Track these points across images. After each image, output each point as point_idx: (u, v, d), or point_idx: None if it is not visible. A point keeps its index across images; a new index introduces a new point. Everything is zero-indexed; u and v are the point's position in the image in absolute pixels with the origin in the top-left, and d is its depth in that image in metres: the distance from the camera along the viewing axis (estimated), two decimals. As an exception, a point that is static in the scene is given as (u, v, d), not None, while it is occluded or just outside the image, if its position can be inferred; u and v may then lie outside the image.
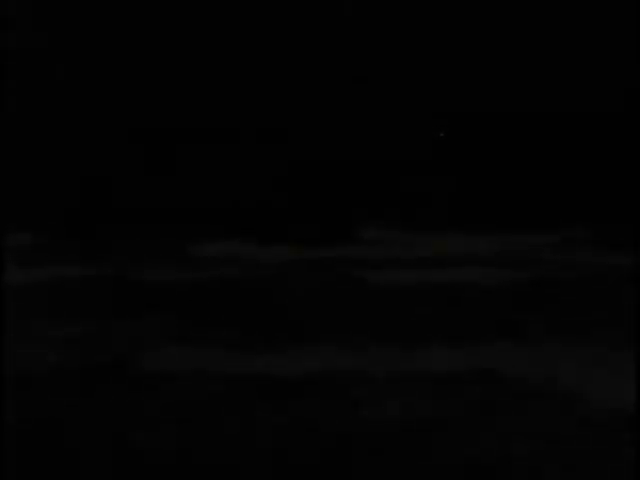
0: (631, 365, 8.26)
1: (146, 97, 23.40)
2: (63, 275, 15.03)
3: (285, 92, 23.38)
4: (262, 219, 22.35)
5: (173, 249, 19.54)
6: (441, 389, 7.79)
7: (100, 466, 6.04)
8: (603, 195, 22.48)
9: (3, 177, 21.90)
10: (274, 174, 23.22)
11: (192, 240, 20.52)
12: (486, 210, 22.83)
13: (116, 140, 23.36)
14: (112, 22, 23.25)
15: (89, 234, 22.12)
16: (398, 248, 19.31)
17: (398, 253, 18.35)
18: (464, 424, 6.80)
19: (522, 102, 23.15)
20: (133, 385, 8.06)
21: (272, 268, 16.16)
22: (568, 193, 22.82)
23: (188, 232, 21.45)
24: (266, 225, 22.02)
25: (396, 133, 23.34)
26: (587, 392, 7.60)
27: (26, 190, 22.87)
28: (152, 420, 6.99)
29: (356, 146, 23.23)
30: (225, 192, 22.93)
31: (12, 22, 23.09)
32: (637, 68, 22.15)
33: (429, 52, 23.21)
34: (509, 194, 23.13)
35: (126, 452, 6.29)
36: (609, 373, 8.23)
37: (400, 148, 23.30)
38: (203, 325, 10.82)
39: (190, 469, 5.98)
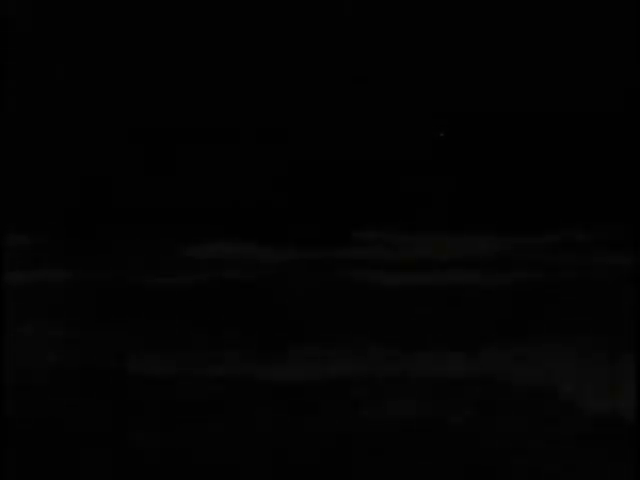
0: (631, 365, 8.26)
1: (146, 97, 23.40)
2: (63, 276, 15.02)
3: (285, 92, 23.38)
4: (262, 219, 22.35)
5: (173, 249, 19.54)
6: (441, 390, 7.79)
7: (100, 466, 6.04)
8: (603, 195, 22.47)
9: (3, 177, 21.89)
10: (274, 174, 23.21)
11: (192, 240, 20.50)
12: (486, 210, 22.82)
13: (116, 140, 23.36)
14: (112, 22, 23.26)
15: (89, 234, 22.10)
16: (398, 248, 19.31)
17: (398, 253, 18.36)
18: (464, 424, 6.80)
19: (522, 102, 23.14)
20: (133, 386, 8.06)
21: (272, 268, 16.16)
22: (568, 193, 22.81)
23: (188, 232, 21.44)
24: (266, 225, 22.01)
25: (396, 133, 23.33)
26: (587, 393, 7.61)
27: (26, 190, 22.86)
28: (152, 420, 6.99)
29: (356, 146, 23.22)
30: (225, 192, 22.92)
31: (12, 22, 23.09)
32: (637, 68, 22.15)
33: (429, 52, 23.21)
34: (509, 194, 23.12)
35: (126, 452, 6.29)
36: (609, 374, 8.23)
37: (400, 148, 23.29)
38: (203, 325, 10.82)
39: (190, 469, 5.98)
